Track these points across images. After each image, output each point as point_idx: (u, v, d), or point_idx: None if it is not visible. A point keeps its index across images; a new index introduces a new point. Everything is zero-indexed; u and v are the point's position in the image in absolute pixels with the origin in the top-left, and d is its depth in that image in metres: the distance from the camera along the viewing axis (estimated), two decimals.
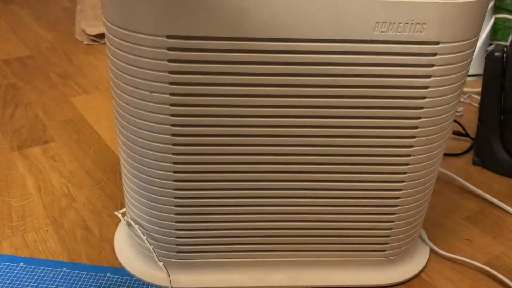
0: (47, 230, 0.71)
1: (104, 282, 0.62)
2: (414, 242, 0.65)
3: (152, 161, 0.53)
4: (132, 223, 0.60)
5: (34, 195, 0.78)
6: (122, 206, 0.76)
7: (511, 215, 0.78)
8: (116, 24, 0.47)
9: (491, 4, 1.22)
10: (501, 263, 0.68)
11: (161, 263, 0.59)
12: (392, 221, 0.59)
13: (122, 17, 0.46)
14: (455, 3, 0.45)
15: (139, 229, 0.59)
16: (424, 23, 0.46)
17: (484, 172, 0.88)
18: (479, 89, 0.89)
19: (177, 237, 0.58)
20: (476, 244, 0.71)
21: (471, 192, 0.82)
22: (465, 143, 0.96)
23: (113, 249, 0.67)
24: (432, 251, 0.69)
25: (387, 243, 0.61)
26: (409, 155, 0.54)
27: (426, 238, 0.70)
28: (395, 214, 0.58)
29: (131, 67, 0.48)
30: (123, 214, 0.64)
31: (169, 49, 0.46)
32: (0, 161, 0.86)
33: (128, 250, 0.65)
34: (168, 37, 0.45)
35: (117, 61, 0.49)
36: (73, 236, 0.70)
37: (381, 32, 0.46)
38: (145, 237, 0.59)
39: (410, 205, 0.58)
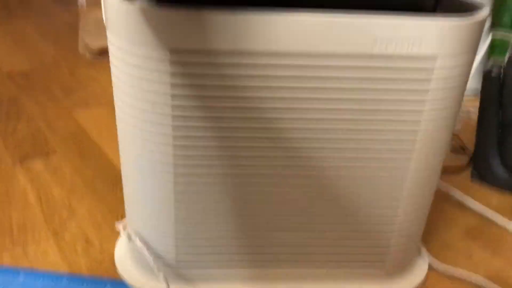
0: (47, 242, 0.71)
1: None
2: (413, 256, 0.65)
3: (153, 173, 0.53)
4: (133, 235, 0.60)
5: (35, 207, 0.78)
6: (123, 218, 0.76)
7: (510, 231, 0.78)
8: (119, 38, 0.48)
9: (488, 22, 1.24)
10: (501, 278, 0.68)
11: (161, 275, 0.59)
12: (391, 235, 0.59)
13: (126, 32, 0.47)
14: (453, 19, 0.47)
15: (140, 240, 0.60)
16: (423, 39, 0.47)
17: (482, 187, 0.89)
18: (477, 105, 0.90)
19: (177, 249, 0.59)
20: (475, 259, 0.72)
21: (469, 207, 0.82)
22: (463, 158, 0.97)
23: (113, 261, 0.67)
24: (431, 265, 0.69)
25: (386, 257, 0.61)
26: (408, 169, 0.54)
27: (425, 252, 0.70)
28: (394, 227, 0.59)
29: (133, 80, 0.49)
30: (124, 226, 0.65)
31: (171, 62, 0.46)
32: (2, 174, 0.87)
33: (128, 262, 0.65)
34: (171, 51, 0.46)
35: (120, 74, 0.50)
36: (74, 248, 0.70)
37: (380, 47, 0.47)
38: (145, 248, 0.59)
39: (409, 219, 0.59)
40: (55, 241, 0.71)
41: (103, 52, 1.43)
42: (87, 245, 0.71)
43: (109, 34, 0.50)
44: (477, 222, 0.80)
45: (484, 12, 0.50)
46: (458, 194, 0.83)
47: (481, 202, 0.83)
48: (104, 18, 0.50)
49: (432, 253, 0.72)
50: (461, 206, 0.83)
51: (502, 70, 0.85)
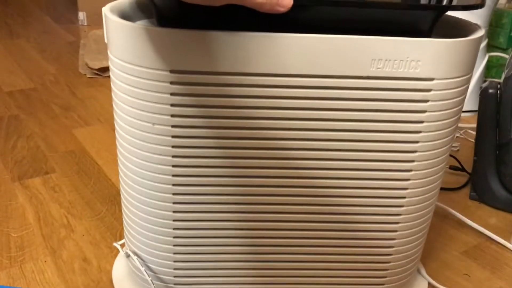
0: (45, 261, 0.71)
1: None
2: (412, 276, 0.65)
3: (152, 192, 0.54)
4: (131, 254, 0.60)
5: (33, 226, 0.78)
6: (121, 237, 0.76)
7: (509, 250, 0.78)
8: (120, 58, 0.48)
9: (484, 43, 1.25)
10: None
11: None
12: (390, 255, 0.59)
13: (127, 52, 0.48)
14: (449, 41, 0.47)
15: (138, 260, 0.59)
16: (419, 60, 0.47)
17: (481, 206, 0.89)
18: (475, 125, 0.90)
19: (175, 269, 0.58)
20: (474, 279, 0.71)
21: (468, 226, 0.82)
22: (462, 178, 0.97)
23: (111, 280, 0.67)
24: (430, 285, 0.69)
25: (385, 277, 0.61)
26: (406, 188, 0.54)
27: (424, 272, 0.70)
28: (392, 247, 0.58)
29: (134, 99, 0.49)
30: (122, 245, 0.64)
31: (171, 82, 0.47)
32: (1, 192, 0.87)
33: (126, 282, 0.65)
34: (171, 71, 0.46)
35: (121, 93, 0.50)
36: (71, 267, 0.70)
37: (377, 68, 0.47)
38: (143, 268, 0.59)
39: (408, 239, 0.59)
40: (53, 259, 0.71)
41: (103, 71, 1.45)
42: (85, 264, 0.70)
43: (110, 53, 0.50)
44: (476, 241, 0.80)
45: (479, 34, 0.51)
46: (457, 214, 0.83)
47: (479, 221, 0.83)
48: (105, 38, 0.51)
49: (431, 272, 0.71)
50: (460, 225, 0.83)
51: (498, 90, 0.85)
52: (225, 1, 0.40)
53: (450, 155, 0.96)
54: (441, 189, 0.92)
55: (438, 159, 0.54)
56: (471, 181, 0.92)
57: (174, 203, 0.54)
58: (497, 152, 0.87)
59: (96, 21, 2.00)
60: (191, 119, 0.49)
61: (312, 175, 0.53)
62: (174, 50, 0.46)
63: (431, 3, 0.52)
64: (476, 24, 0.54)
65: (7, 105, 1.23)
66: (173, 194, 0.53)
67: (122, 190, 0.58)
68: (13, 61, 1.55)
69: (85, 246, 0.74)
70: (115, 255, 0.72)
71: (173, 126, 0.49)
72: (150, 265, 0.59)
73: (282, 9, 0.43)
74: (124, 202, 0.59)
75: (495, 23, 1.38)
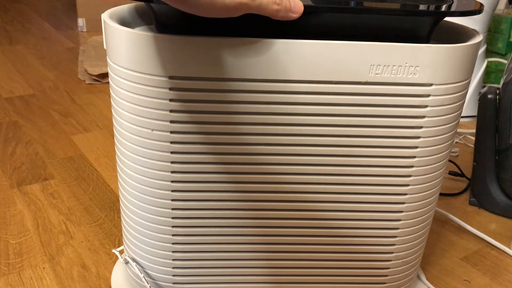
0: (43, 268, 0.70)
1: None
2: (412, 282, 0.65)
3: (151, 198, 0.53)
4: (130, 260, 0.60)
5: (32, 232, 0.78)
6: (120, 244, 0.76)
7: (509, 256, 0.78)
8: (120, 64, 0.48)
9: (483, 48, 1.26)
10: None
11: None
12: (390, 261, 0.59)
13: (126, 58, 0.48)
14: (447, 47, 0.47)
15: (137, 266, 0.59)
16: (418, 66, 0.47)
17: (481, 212, 0.89)
18: (474, 130, 0.90)
19: (174, 275, 0.58)
20: (474, 285, 0.71)
21: (468, 232, 0.82)
22: (461, 183, 0.97)
23: (109, 287, 0.67)
24: None
25: (385, 283, 0.61)
26: (405, 194, 0.54)
27: (424, 278, 0.70)
28: (392, 253, 0.58)
29: (133, 105, 0.49)
30: (121, 252, 0.64)
31: (170, 88, 0.47)
32: None
33: None
34: (170, 77, 0.46)
35: (120, 99, 0.50)
36: (70, 274, 0.69)
37: (376, 74, 0.47)
38: (142, 275, 0.59)
39: (408, 244, 0.58)
40: (51, 266, 0.71)
41: (102, 77, 1.45)
42: (84, 271, 0.70)
43: (109, 60, 0.51)
44: (476, 247, 0.79)
45: (477, 39, 0.51)
46: (457, 219, 0.83)
47: (479, 227, 0.83)
48: (104, 44, 0.51)
49: (431, 278, 0.71)
50: (460, 231, 0.83)
51: (497, 95, 0.86)
52: (242, 12, 0.40)
53: (450, 161, 0.96)
54: (441, 194, 0.92)
55: (437, 164, 0.54)
56: (470, 187, 0.92)
57: (173, 209, 0.54)
58: (497, 157, 0.87)
59: (96, 27, 2.00)
60: (190, 125, 0.49)
61: (313, 180, 0.53)
62: (173, 57, 0.46)
63: (430, 9, 0.52)
64: (474, 30, 0.54)
65: (6, 111, 1.23)
66: (172, 200, 0.53)
67: (121, 197, 0.58)
68: (12, 67, 1.55)
69: (84, 252, 0.74)
70: (114, 262, 0.71)
71: (172, 132, 0.49)
72: (149, 272, 0.59)
73: (295, 15, 0.43)
74: (123, 208, 0.59)
75: (494, 28, 1.39)
